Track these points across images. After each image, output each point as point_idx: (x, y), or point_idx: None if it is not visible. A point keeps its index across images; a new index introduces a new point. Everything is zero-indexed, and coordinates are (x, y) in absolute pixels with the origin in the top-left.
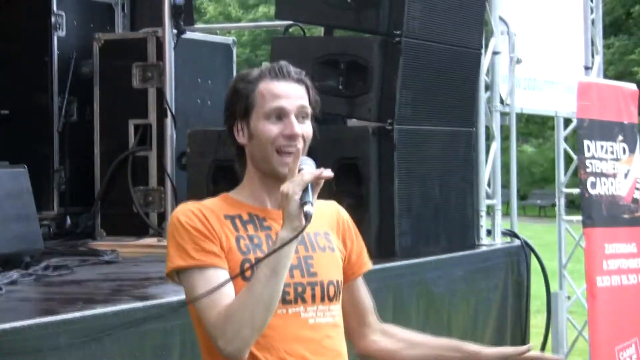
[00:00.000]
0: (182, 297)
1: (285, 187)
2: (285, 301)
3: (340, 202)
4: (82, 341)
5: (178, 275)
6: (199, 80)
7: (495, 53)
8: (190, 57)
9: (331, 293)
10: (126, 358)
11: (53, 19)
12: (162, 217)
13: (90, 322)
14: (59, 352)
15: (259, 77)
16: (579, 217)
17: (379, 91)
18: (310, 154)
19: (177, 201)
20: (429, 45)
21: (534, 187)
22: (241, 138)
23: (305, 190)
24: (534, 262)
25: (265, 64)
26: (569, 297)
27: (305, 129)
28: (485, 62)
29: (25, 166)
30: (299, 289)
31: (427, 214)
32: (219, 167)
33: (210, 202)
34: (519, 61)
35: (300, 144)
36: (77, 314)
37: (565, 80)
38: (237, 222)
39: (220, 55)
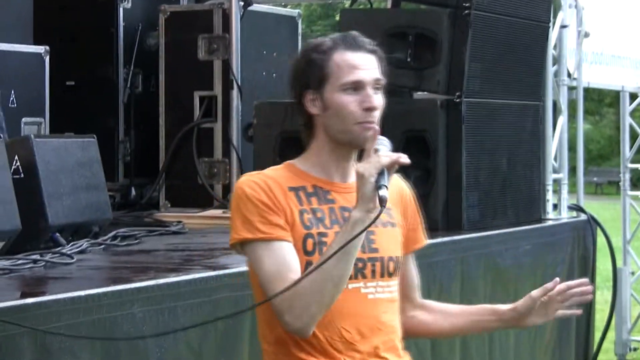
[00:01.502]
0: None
1: (362, 167)
2: None
3: (407, 174)
4: (156, 309)
5: (242, 246)
6: (264, 52)
7: (563, 27)
8: (256, 29)
9: (391, 269)
10: (199, 328)
11: None
12: (226, 189)
13: (164, 291)
14: (133, 320)
15: (333, 47)
16: None
17: (447, 64)
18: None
19: (242, 173)
20: (497, 18)
21: (590, 165)
22: (313, 108)
23: (381, 173)
24: (599, 237)
25: (331, 36)
26: (633, 273)
27: (380, 100)
28: (553, 35)
29: (95, 136)
30: (359, 265)
31: (495, 187)
32: (285, 139)
33: (274, 172)
34: (586, 35)
35: (377, 114)
36: (151, 282)
37: (632, 55)
38: (301, 194)
39: (286, 27)
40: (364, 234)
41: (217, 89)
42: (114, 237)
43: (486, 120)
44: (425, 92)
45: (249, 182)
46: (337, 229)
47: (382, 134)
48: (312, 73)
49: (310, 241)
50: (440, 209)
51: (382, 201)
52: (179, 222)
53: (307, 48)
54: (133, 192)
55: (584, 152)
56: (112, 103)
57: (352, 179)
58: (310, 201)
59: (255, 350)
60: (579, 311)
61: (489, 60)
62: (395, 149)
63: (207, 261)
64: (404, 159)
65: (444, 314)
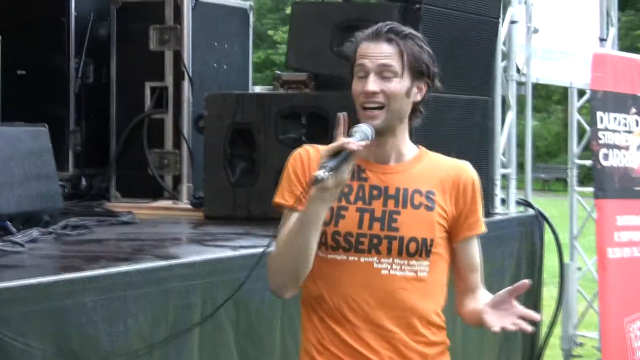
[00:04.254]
0: (204, 257)
1: (323, 149)
2: (357, 250)
3: None
4: (107, 298)
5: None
6: (215, 43)
7: (512, 22)
8: (207, 21)
9: (411, 249)
10: (149, 316)
11: None
12: (177, 180)
13: (115, 279)
14: (84, 308)
15: (359, 39)
16: (591, 189)
17: None
18: (328, 118)
19: (192, 164)
20: (447, 13)
21: (538, 161)
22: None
23: (332, 156)
24: (546, 233)
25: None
26: (579, 269)
27: (388, 85)
28: (502, 31)
29: (46, 125)
30: (375, 241)
31: None
32: (236, 130)
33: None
34: (535, 31)
35: (381, 99)
36: (102, 271)
37: (580, 52)
38: None
39: (237, 19)
40: (321, 211)
41: (168, 80)
42: (65, 227)
43: (435, 115)
44: None
45: (295, 152)
46: (360, 205)
47: (329, 125)
48: (350, 66)
49: (328, 213)
50: None
51: (313, 180)
52: (130, 212)
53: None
54: (84, 182)
55: (532, 149)
56: (63, 93)
57: (396, 161)
58: None
59: (204, 339)
60: (529, 328)
61: (438, 55)
62: None
63: (157, 251)
64: (351, 145)
65: (474, 305)
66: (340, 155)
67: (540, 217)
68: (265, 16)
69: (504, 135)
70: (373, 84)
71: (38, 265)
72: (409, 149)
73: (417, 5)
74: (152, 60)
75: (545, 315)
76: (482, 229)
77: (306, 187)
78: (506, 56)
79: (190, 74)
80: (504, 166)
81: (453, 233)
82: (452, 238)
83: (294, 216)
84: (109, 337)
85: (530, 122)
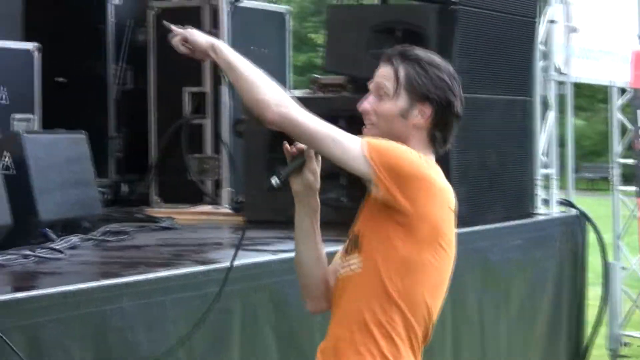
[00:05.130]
0: (243, 261)
1: None
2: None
3: None
4: (145, 303)
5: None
6: (253, 48)
7: (551, 22)
8: (245, 25)
9: (349, 246)
10: (188, 321)
11: None
12: (217, 185)
13: (153, 285)
14: (122, 314)
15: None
16: (634, 188)
17: None
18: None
19: (232, 169)
20: (484, 14)
21: (584, 161)
22: None
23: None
24: (590, 233)
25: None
26: (624, 268)
27: (380, 106)
28: (541, 30)
29: (85, 132)
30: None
31: (483, 183)
32: (275, 134)
33: None
34: (575, 30)
35: (373, 119)
36: (140, 277)
37: (620, 50)
38: None
39: (274, 23)
40: (300, 218)
41: (207, 85)
42: (105, 233)
43: (474, 116)
44: None
45: None
46: None
47: None
48: None
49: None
50: None
51: (267, 185)
52: (170, 217)
53: None
54: (124, 188)
55: (577, 148)
56: (103, 100)
57: None
58: None
59: (246, 341)
60: None
61: (476, 55)
62: None
63: (196, 256)
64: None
65: None
66: (295, 161)
67: (583, 217)
68: (307, 19)
69: (544, 136)
70: (366, 102)
71: (77, 272)
72: None
73: (454, 7)
74: (191, 65)
75: (591, 314)
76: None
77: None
78: (545, 56)
79: None
80: (545, 166)
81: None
82: None
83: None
84: (148, 342)
85: (570, 122)
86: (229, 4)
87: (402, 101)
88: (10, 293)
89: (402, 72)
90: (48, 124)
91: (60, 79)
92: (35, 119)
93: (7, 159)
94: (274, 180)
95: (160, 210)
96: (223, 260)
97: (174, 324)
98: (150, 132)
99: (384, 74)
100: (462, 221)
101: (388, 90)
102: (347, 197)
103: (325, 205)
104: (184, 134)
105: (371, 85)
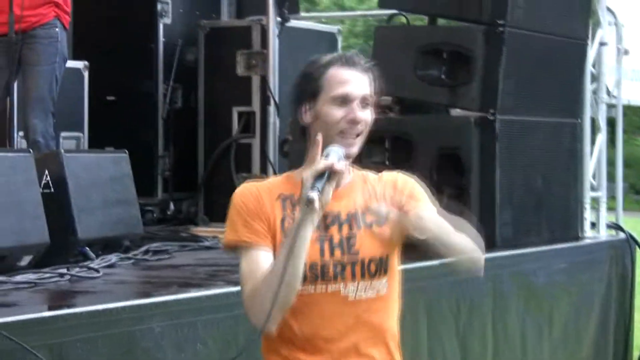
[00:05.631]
0: None
1: (304, 173)
2: (324, 279)
3: (440, 191)
4: (175, 324)
5: (231, 248)
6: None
7: (602, 44)
8: (295, 46)
9: (372, 269)
10: (219, 342)
11: (159, 7)
12: None
13: (184, 305)
14: (152, 334)
15: (329, 63)
16: None
17: (481, 81)
18: (412, 142)
19: None
20: (532, 35)
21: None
22: (306, 118)
23: (318, 178)
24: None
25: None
26: None
27: (367, 115)
28: (591, 53)
29: (127, 151)
30: (339, 268)
31: (529, 205)
32: None
33: (271, 182)
34: (626, 52)
35: (361, 128)
36: (171, 297)
37: None
38: (287, 202)
39: (325, 43)
40: (307, 233)
41: (256, 105)
42: (146, 252)
43: (521, 138)
44: (461, 109)
45: (243, 190)
46: (317, 234)
47: (412, 149)
48: (307, 85)
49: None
50: (474, 227)
51: (307, 201)
52: (215, 237)
53: (308, 63)
54: (172, 206)
55: (635, 170)
56: (152, 118)
57: (340, 186)
58: (294, 208)
59: None
60: None
61: (524, 77)
62: (429, 166)
63: (232, 276)
64: (337, 165)
65: None
66: (324, 176)
67: (632, 241)
68: (373, 38)
69: (593, 158)
70: (361, 113)
71: (108, 291)
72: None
73: (501, 28)
74: (240, 85)
75: (637, 337)
76: (429, 208)
77: (269, 221)
78: (596, 78)
79: (277, 98)
80: (593, 189)
81: (405, 216)
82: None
83: (259, 253)
84: None
85: (620, 145)
86: (278, 24)
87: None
88: (38, 312)
89: (376, 82)
90: (97, 142)
91: (110, 98)
92: (83, 137)
93: (47, 177)
94: (314, 194)
95: (206, 229)
96: None
97: (205, 344)
98: (199, 151)
99: (364, 84)
100: (507, 243)
101: (371, 100)
102: (390, 161)
103: (370, 169)
104: (232, 153)
105: (356, 94)
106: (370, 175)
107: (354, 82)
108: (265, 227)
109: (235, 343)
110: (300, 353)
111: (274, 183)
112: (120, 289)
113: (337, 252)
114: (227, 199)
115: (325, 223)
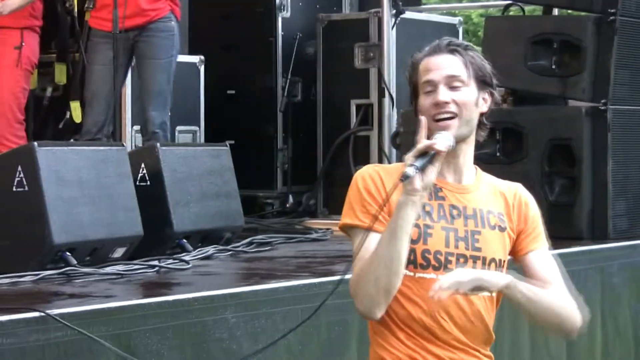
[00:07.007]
0: None
1: (407, 155)
2: (446, 268)
3: (552, 182)
4: (251, 315)
5: (346, 230)
6: None
7: None
8: (413, 37)
9: (492, 269)
10: (299, 333)
11: (278, 0)
12: None
13: (260, 296)
14: (226, 325)
15: (420, 57)
16: None
17: (592, 71)
18: (523, 133)
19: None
20: None
21: None
22: (416, 111)
23: (419, 157)
24: None
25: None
26: None
27: (458, 95)
28: None
29: (228, 144)
30: (461, 260)
31: None
32: None
33: (393, 167)
34: None
35: (453, 109)
36: (245, 289)
37: None
38: None
39: (446, 34)
40: (410, 216)
41: (374, 97)
42: (249, 244)
43: (634, 128)
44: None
45: (364, 172)
46: (443, 224)
47: (523, 140)
48: (410, 81)
49: (415, 230)
50: (586, 219)
51: (403, 176)
52: (328, 229)
53: (408, 64)
54: (291, 199)
55: None
56: (271, 111)
57: (466, 180)
58: None
59: (363, 353)
60: None
61: (636, 66)
62: (541, 157)
63: (321, 268)
64: (437, 146)
65: None
66: (427, 156)
67: None
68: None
69: None
70: (444, 94)
71: (189, 282)
72: (472, 167)
73: (613, 17)
74: (358, 77)
75: None
76: (546, 243)
77: (384, 201)
78: None
79: (396, 90)
80: None
81: (516, 250)
82: (516, 255)
83: (372, 237)
84: (254, 353)
85: None
86: (392, 16)
87: (473, 89)
88: (106, 302)
89: (469, 60)
90: (215, 135)
91: (230, 92)
92: (199, 131)
93: (143, 170)
94: (411, 171)
95: (319, 222)
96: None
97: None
98: (318, 144)
99: (450, 64)
100: (621, 235)
101: (463, 78)
102: (501, 152)
103: (480, 160)
104: (351, 146)
105: (438, 78)
106: (494, 179)
107: (437, 66)
108: (384, 210)
109: (316, 332)
110: (420, 338)
111: (396, 168)
112: (202, 280)
113: (462, 245)
114: (346, 192)
115: (452, 214)
